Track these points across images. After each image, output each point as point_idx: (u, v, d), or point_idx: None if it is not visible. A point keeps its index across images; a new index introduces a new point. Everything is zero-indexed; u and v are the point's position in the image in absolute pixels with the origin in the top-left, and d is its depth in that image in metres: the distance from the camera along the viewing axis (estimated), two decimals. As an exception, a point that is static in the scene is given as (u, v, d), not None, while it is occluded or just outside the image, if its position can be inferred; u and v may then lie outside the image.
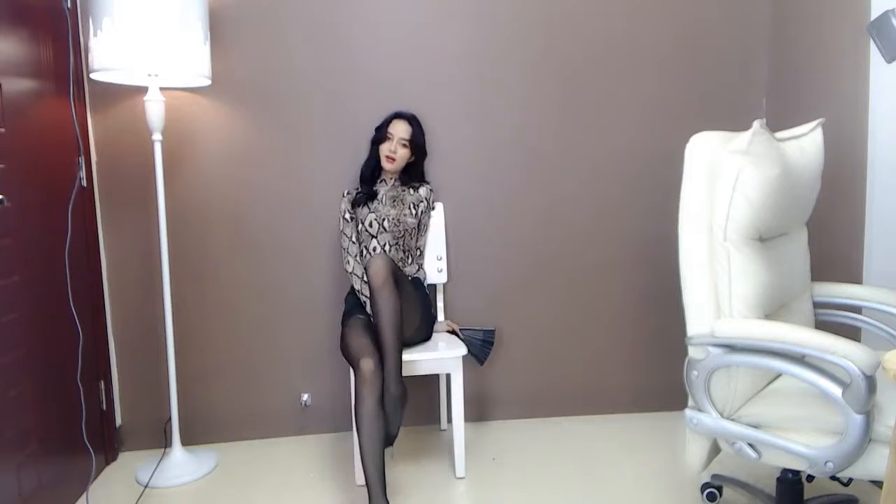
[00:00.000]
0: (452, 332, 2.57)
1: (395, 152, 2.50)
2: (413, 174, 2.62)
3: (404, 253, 2.55)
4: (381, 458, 2.07)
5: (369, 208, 2.52)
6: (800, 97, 2.67)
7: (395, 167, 2.54)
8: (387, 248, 2.51)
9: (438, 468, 2.48)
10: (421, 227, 2.62)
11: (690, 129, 1.78)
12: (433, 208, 2.68)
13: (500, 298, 2.85)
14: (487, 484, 2.38)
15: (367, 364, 2.11)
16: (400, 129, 2.52)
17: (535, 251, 2.85)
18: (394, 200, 2.54)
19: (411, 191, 2.59)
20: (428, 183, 2.66)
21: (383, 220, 2.50)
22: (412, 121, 2.57)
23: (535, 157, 2.81)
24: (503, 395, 2.90)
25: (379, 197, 2.54)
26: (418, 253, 2.63)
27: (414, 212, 2.56)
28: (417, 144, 2.57)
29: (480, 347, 2.60)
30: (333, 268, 2.71)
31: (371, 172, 2.58)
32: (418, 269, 2.60)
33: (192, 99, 2.60)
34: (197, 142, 2.62)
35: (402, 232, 2.53)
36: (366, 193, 2.55)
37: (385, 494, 2.03)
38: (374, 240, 2.50)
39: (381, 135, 2.53)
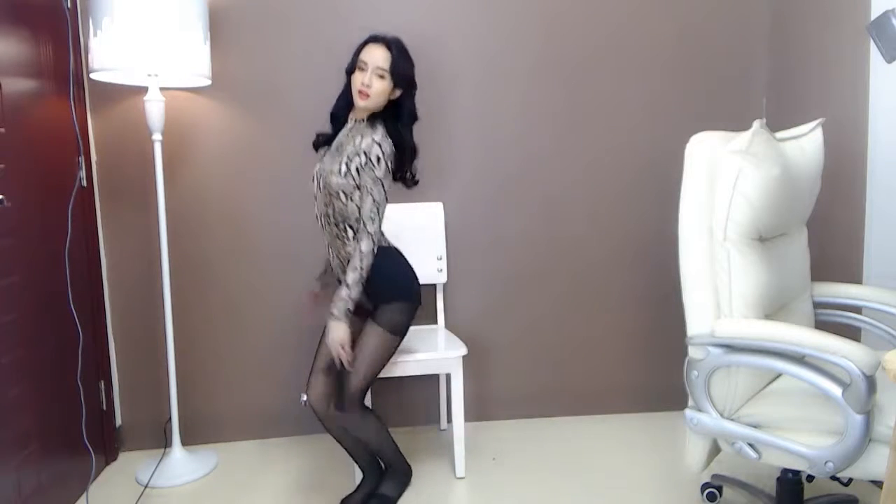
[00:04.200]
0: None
1: (369, 86, 1.97)
2: (400, 113, 2.07)
3: (338, 227, 2.04)
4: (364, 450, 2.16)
5: (321, 158, 2.10)
6: (800, 97, 2.67)
7: (371, 104, 2.00)
8: (321, 218, 2.09)
9: (438, 468, 2.47)
10: (363, 190, 1.97)
11: (690, 128, 1.78)
12: (375, 165, 1.96)
13: (500, 298, 2.85)
14: (487, 484, 2.38)
15: (310, 394, 2.09)
16: (376, 56, 1.99)
17: (535, 251, 2.85)
18: (339, 149, 2.03)
19: (359, 138, 2.00)
20: (384, 129, 2.02)
21: (320, 175, 2.06)
22: (392, 45, 2.01)
23: (534, 157, 2.81)
24: (503, 395, 2.90)
25: (334, 142, 2.08)
26: (362, 225, 1.98)
27: (344, 168, 1.97)
28: (401, 75, 2.01)
29: None
30: (333, 268, 2.71)
31: (341, 110, 2.10)
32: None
33: (192, 99, 2.60)
34: (197, 142, 2.62)
35: (329, 196, 2.02)
36: (325, 137, 2.12)
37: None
38: (315, 202, 2.10)
39: (354, 63, 2.03)
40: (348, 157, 1.98)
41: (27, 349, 2.03)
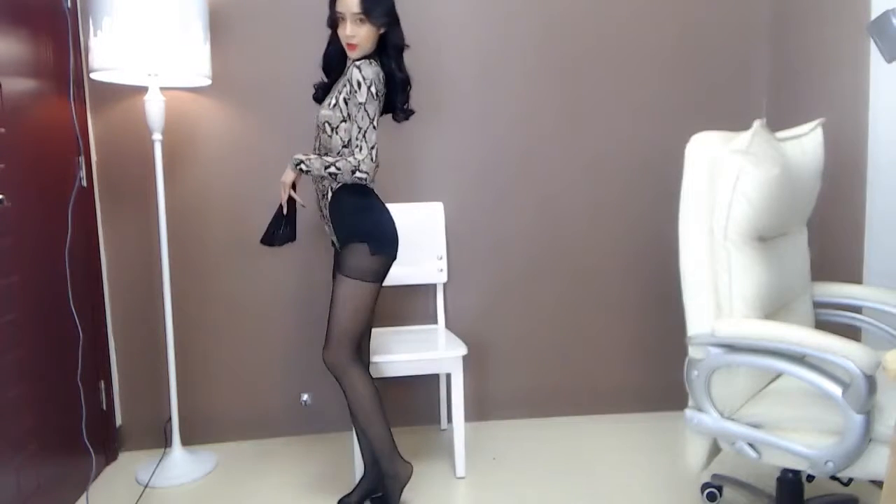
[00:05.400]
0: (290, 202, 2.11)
1: (353, 36, 1.94)
2: (384, 47, 2.02)
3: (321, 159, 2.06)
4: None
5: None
6: (800, 97, 2.67)
7: (362, 52, 1.97)
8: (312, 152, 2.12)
9: (438, 468, 2.47)
10: (350, 120, 1.95)
11: (690, 128, 1.78)
12: (357, 90, 1.92)
13: (500, 298, 2.85)
14: (487, 484, 2.38)
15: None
16: (348, 3, 1.93)
17: (535, 251, 2.85)
18: (336, 87, 2.05)
19: (349, 70, 1.99)
20: (373, 59, 1.98)
21: (316, 115, 2.07)
22: None
23: (534, 158, 2.81)
24: (503, 395, 2.90)
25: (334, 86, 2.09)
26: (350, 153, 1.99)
27: (333, 101, 1.99)
28: (377, 14, 1.95)
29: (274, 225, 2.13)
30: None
31: (331, 62, 2.09)
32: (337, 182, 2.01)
33: (192, 99, 2.60)
34: (197, 142, 2.62)
35: (317, 129, 2.06)
36: (323, 87, 2.12)
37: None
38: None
39: (333, 16, 1.99)
40: (338, 91, 1.99)
41: (27, 349, 2.02)
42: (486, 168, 2.79)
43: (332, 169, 1.95)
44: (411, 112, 2.15)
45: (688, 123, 2.00)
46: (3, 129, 1.93)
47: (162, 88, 2.38)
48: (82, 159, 2.42)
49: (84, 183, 2.42)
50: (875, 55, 2.18)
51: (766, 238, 1.74)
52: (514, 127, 2.79)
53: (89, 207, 2.49)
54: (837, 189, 2.30)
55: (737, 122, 1.94)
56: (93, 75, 2.32)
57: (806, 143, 1.88)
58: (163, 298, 2.48)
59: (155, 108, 2.35)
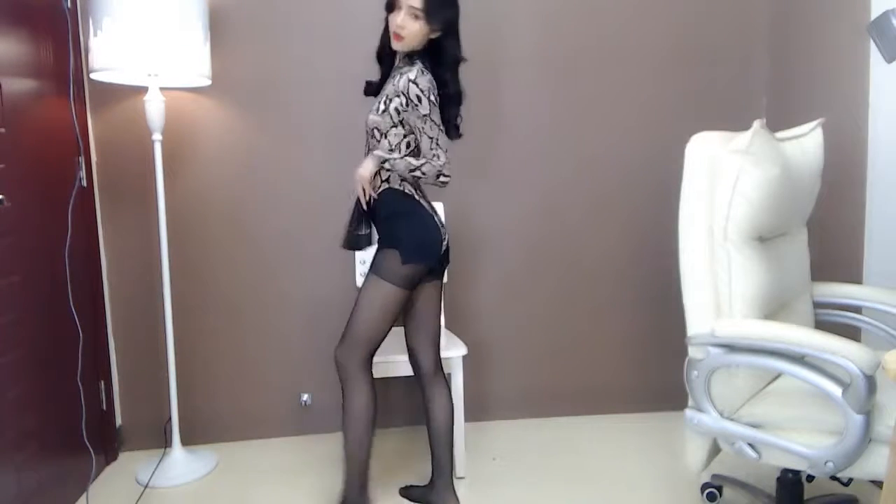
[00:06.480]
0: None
1: (402, 27, 1.87)
2: (441, 56, 1.96)
3: None
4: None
5: None
6: (800, 97, 2.67)
7: (405, 46, 1.91)
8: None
9: (438, 468, 2.47)
10: (419, 132, 1.92)
11: (690, 128, 1.78)
12: (418, 104, 1.88)
13: (500, 298, 2.85)
14: (487, 484, 2.38)
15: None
16: None
17: (535, 251, 2.85)
18: (383, 90, 2.00)
19: (398, 76, 1.92)
20: (421, 66, 1.92)
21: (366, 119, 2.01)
22: None
23: (534, 157, 2.81)
24: (503, 395, 2.90)
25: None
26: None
27: (382, 107, 1.93)
28: (436, 16, 1.87)
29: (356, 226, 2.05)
30: (334, 267, 2.70)
31: (384, 50, 2.02)
32: (383, 182, 1.98)
33: (192, 99, 2.60)
34: (197, 142, 2.62)
35: (366, 135, 2.01)
36: (375, 84, 2.06)
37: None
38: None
39: (390, 0, 1.93)
40: (387, 97, 1.93)
41: (27, 349, 2.02)
42: (486, 168, 2.79)
43: (418, 172, 1.92)
44: (461, 134, 2.09)
45: (688, 123, 2.00)
46: (3, 129, 1.93)
47: (162, 88, 2.38)
48: (82, 159, 2.42)
49: (84, 183, 2.42)
50: (875, 55, 2.18)
51: (765, 238, 1.74)
52: (513, 127, 2.79)
53: (89, 207, 2.49)
54: (837, 189, 2.30)
55: (737, 122, 1.94)
56: (93, 75, 2.32)
57: (806, 143, 1.89)
58: (163, 298, 2.48)
59: (155, 109, 2.35)
